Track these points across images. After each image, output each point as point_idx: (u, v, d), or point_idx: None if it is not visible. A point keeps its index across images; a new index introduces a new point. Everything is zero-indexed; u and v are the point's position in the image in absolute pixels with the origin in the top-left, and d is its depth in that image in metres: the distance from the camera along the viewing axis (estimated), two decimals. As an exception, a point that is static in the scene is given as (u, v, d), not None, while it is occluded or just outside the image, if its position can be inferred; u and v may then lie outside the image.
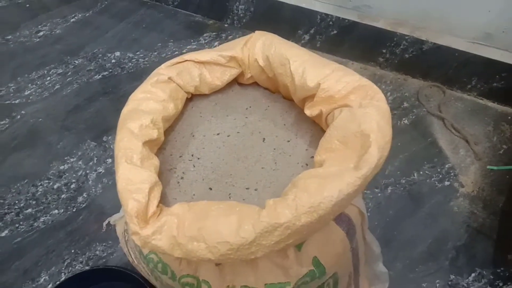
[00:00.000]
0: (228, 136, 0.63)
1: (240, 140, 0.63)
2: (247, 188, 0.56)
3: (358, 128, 0.47)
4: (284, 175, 0.56)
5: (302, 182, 0.43)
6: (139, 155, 0.46)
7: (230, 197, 0.56)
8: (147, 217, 0.43)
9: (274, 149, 0.60)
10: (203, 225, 0.41)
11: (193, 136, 0.62)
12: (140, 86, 0.56)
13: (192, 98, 0.65)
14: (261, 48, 0.60)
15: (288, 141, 0.63)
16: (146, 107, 0.52)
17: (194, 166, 0.59)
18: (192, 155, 0.60)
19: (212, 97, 0.66)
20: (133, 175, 0.44)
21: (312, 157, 0.58)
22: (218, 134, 0.63)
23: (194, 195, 0.56)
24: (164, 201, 0.52)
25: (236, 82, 0.68)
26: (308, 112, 0.58)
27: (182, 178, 0.58)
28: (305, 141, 0.62)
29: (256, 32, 0.62)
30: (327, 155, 0.48)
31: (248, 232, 0.40)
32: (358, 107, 0.50)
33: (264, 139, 0.63)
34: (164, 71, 0.57)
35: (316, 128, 0.62)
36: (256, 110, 0.67)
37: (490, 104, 1.02)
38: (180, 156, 0.60)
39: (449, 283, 0.76)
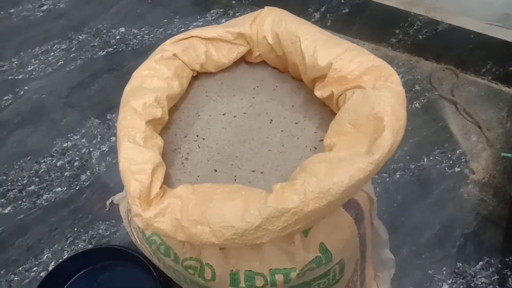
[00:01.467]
0: (234, 116, 0.61)
1: (246, 121, 0.61)
2: (253, 171, 0.55)
3: (371, 110, 0.44)
4: (292, 158, 0.54)
5: (311, 166, 0.41)
6: (142, 134, 0.44)
7: (235, 180, 0.54)
8: (150, 199, 0.41)
9: (282, 131, 0.58)
10: (208, 208, 0.40)
11: (198, 115, 0.60)
12: (144, 63, 0.53)
13: (197, 76, 0.62)
14: (270, 24, 0.57)
15: (296, 123, 0.61)
16: (150, 84, 0.50)
17: (199, 147, 0.58)
18: (197, 136, 0.59)
19: (218, 76, 0.64)
20: (136, 155, 0.43)
21: (321, 140, 0.56)
22: (224, 114, 0.61)
23: (198, 176, 0.55)
24: (168, 182, 0.51)
25: (243, 60, 0.65)
26: (318, 93, 0.55)
27: (186, 159, 0.56)
28: (314, 123, 0.60)
29: (266, 8, 0.60)
30: (338, 138, 0.46)
31: (254, 217, 0.39)
32: (372, 88, 0.47)
33: (271, 120, 0.61)
34: (169, 47, 0.55)
35: (326, 110, 0.60)
36: (263, 90, 0.65)
37: (504, 89, 0.99)
38: (185, 136, 0.58)
39: (456, 270, 0.75)
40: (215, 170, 0.55)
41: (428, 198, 0.82)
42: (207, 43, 0.57)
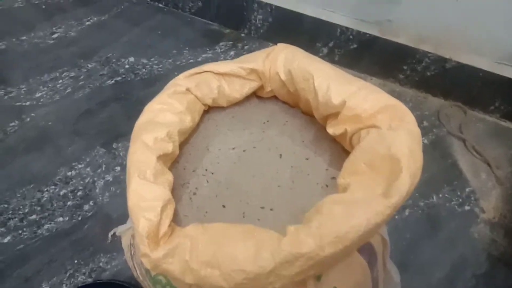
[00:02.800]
0: (244, 151, 0.61)
1: (256, 155, 0.60)
2: (262, 208, 0.54)
3: (387, 151, 0.43)
4: (302, 195, 0.53)
5: (326, 207, 0.40)
6: (153, 170, 0.44)
7: (244, 216, 0.53)
8: (158, 238, 0.40)
9: (292, 166, 0.57)
10: (218, 250, 0.38)
11: (208, 149, 0.60)
12: (157, 97, 0.53)
13: (208, 110, 0.62)
14: (283, 61, 0.58)
15: (307, 159, 0.60)
16: (162, 119, 0.49)
17: (207, 182, 0.57)
18: (206, 170, 0.58)
19: (229, 110, 0.64)
20: (146, 191, 0.41)
21: (333, 178, 0.55)
22: (233, 148, 0.60)
23: (206, 212, 0.53)
24: (175, 218, 0.49)
25: (254, 95, 0.65)
26: (331, 130, 0.55)
27: (194, 193, 0.55)
28: (324, 160, 0.59)
29: (279, 44, 0.60)
30: (353, 178, 0.45)
31: (267, 261, 0.37)
32: (387, 128, 0.46)
33: (281, 155, 0.60)
34: (182, 81, 0.55)
35: (337, 147, 0.59)
36: (274, 124, 0.64)
37: (513, 126, 0.98)
38: (194, 171, 0.57)
39: (469, 314, 0.72)
40: (224, 206, 0.54)
41: (438, 237, 0.80)
42: (219, 78, 0.57)
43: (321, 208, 0.41)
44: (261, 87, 0.62)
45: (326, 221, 0.38)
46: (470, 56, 0.93)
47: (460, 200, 0.86)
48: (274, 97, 0.66)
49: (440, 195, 0.87)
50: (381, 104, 0.49)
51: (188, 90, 0.54)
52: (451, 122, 0.99)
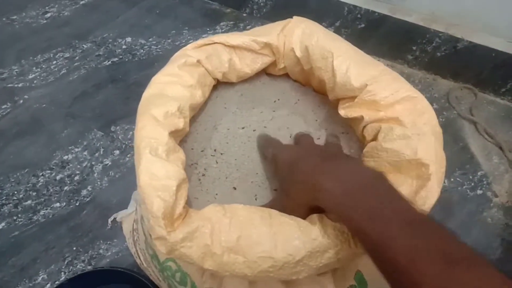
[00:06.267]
0: (254, 130, 0.57)
1: (267, 135, 0.57)
2: (275, 190, 0.51)
3: (414, 155, 0.41)
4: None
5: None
6: (165, 146, 0.40)
7: (256, 199, 0.50)
8: (173, 219, 0.37)
9: (304, 147, 0.54)
10: (243, 235, 0.35)
11: (216, 128, 0.56)
12: (166, 68, 0.49)
13: (216, 86, 0.58)
14: (299, 36, 0.54)
15: (318, 138, 0.57)
16: (172, 92, 0.45)
17: (217, 162, 0.53)
18: (215, 150, 0.54)
19: (238, 87, 0.60)
20: (158, 169, 0.38)
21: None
22: (243, 128, 0.57)
23: (216, 194, 0.50)
24: (184, 200, 0.46)
25: (264, 71, 0.61)
26: (343, 112, 0.51)
27: (203, 175, 0.52)
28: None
29: (295, 18, 0.56)
30: None
31: (297, 249, 0.34)
32: (411, 127, 0.43)
33: (292, 135, 0.57)
34: (192, 52, 0.50)
35: (350, 128, 0.56)
36: (284, 103, 0.61)
37: (525, 109, 0.95)
38: (202, 151, 0.54)
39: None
40: (234, 188, 0.51)
41: (451, 222, 0.78)
42: (231, 51, 0.53)
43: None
44: (273, 63, 0.58)
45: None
46: (483, 35, 0.90)
47: (472, 184, 0.83)
48: (285, 75, 0.63)
49: (452, 179, 0.84)
50: (402, 95, 0.47)
51: (199, 62, 0.50)
52: (462, 105, 0.96)
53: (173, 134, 0.43)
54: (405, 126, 0.44)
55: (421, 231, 0.31)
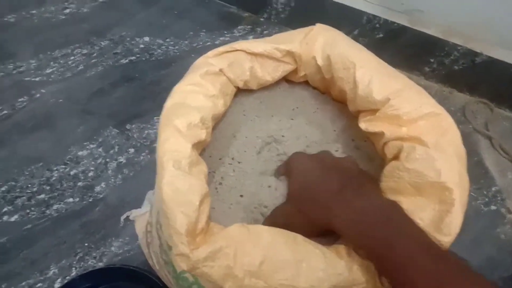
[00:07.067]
0: (270, 138, 0.58)
1: (284, 144, 0.57)
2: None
3: (438, 178, 0.40)
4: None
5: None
6: (188, 159, 0.40)
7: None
8: (195, 235, 0.37)
9: (321, 158, 0.54)
10: (266, 260, 0.35)
11: (234, 136, 0.56)
12: (187, 77, 0.49)
13: (236, 93, 0.59)
14: (322, 45, 0.53)
15: (336, 150, 0.57)
16: (195, 102, 0.45)
17: (234, 171, 0.53)
18: (233, 159, 0.54)
19: (257, 94, 0.60)
20: (182, 183, 0.38)
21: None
22: (261, 136, 0.57)
23: (231, 204, 0.50)
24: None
25: (283, 78, 0.61)
26: (363, 125, 0.51)
27: (220, 183, 0.52)
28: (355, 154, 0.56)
29: (317, 25, 0.56)
30: (396, 197, 0.42)
31: (321, 281, 0.34)
32: (434, 147, 0.43)
33: (309, 145, 0.57)
34: (213, 60, 0.50)
35: (369, 140, 0.55)
36: (303, 111, 0.61)
37: (541, 127, 0.95)
38: (220, 159, 0.54)
39: (494, 318, 0.69)
40: (241, 196, 0.51)
41: (464, 236, 0.77)
42: (252, 58, 0.53)
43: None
44: (294, 71, 0.58)
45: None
46: (502, 51, 0.89)
47: (486, 199, 0.83)
48: (304, 82, 0.63)
49: (465, 194, 0.84)
50: (426, 110, 0.46)
51: (221, 70, 0.50)
52: (477, 119, 0.96)
53: (195, 146, 0.43)
54: (428, 146, 0.43)
55: (443, 264, 0.31)
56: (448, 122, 0.45)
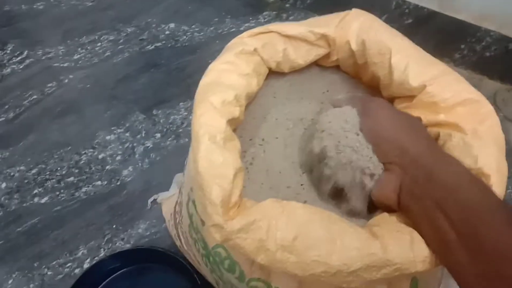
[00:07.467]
0: (301, 120, 0.57)
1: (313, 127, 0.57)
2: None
3: (474, 164, 0.39)
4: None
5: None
6: (223, 134, 0.40)
7: (303, 189, 0.50)
8: (229, 207, 0.37)
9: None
10: (300, 236, 0.35)
11: (264, 118, 0.56)
12: (222, 55, 0.49)
13: (267, 75, 0.58)
14: (357, 30, 0.52)
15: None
16: (229, 80, 0.46)
17: (264, 152, 0.53)
18: (263, 140, 0.54)
19: (288, 77, 0.60)
20: (217, 156, 0.38)
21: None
22: (291, 118, 0.57)
23: (262, 184, 0.50)
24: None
25: (314, 63, 0.61)
26: None
27: (251, 164, 0.52)
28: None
29: (353, 10, 0.55)
30: None
31: (353, 260, 0.34)
32: (472, 133, 0.42)
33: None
34: (248, 40, 0.50)
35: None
36: (333, 95, 0.60)
37: None
38: (250, 139, 0.54)
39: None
40: (280, 172, 0.51)
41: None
42: (286, 40, 0.53)
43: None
44: (326, 55, 0.57)
45: (419, 236, 0.36)
46: (537, 37, 0.86)
47: (518, 189, 0.81)
48: (335, 66, 0.62)
49: (495, 184, 0.82)
50: (464, 97, 0.45)
51: (255, 50, 0.50)
52: (508, 107, 0.93)
53: (229, 122, 0.43)
54: (465, 133, 0.42)
55: None
56: (487, 109, 0.44)
